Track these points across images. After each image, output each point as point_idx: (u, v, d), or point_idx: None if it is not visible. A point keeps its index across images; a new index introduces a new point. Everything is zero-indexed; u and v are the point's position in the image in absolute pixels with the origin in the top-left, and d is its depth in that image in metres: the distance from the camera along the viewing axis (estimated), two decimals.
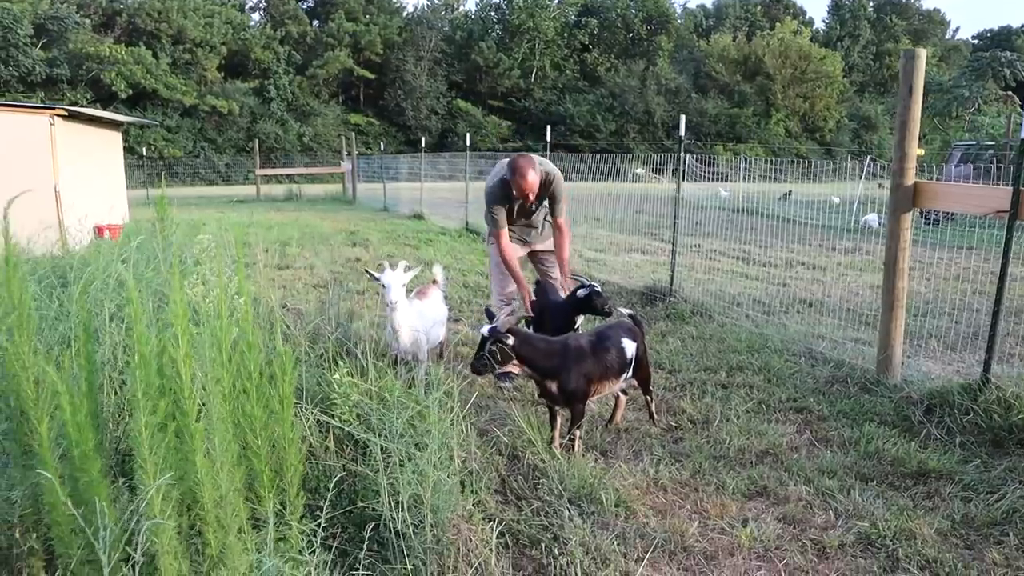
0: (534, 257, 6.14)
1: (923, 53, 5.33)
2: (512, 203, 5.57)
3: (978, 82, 30.94)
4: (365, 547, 2.51)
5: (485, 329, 4.24)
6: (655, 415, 4.96)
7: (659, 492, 3.99)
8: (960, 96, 29.82)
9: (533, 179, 5.30)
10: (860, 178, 16.42)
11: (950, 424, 4.63)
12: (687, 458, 4.37)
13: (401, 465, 2.98)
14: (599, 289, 5.29)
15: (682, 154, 8.19)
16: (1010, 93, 29.28)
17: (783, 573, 3.28)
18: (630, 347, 4.58)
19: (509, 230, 5.74)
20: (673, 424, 4.94)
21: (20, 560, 3.00)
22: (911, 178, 5.33)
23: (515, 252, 5.74)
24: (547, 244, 6.02)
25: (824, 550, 3.46)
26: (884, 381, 5.41)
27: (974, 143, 22.40)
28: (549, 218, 5.84)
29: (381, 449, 3.14)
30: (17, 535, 3.03)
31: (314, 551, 2.33)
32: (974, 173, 13.01)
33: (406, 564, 2.86)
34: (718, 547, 3.47)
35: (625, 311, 5.20)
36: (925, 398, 4.93)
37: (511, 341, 4.16)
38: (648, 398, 4.96)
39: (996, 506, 3.75)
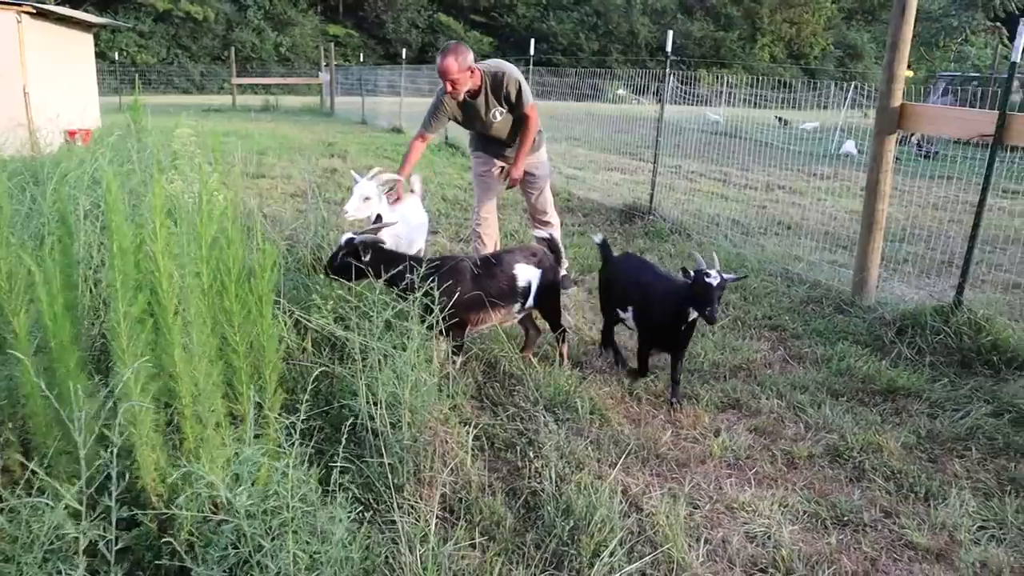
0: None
1: None
2: (448, 105, 5.25)
3: (967, 12, 30.59)
4: (343, 442, 2.52)
5: (344, 237, 3.98)
6: (566, 357, 4.43)
7: (633, 402, 4.05)
8: (948, 26, 29.56)
9: (449, 64, 4.91)
10: (844, 105, 16.32)
11: (921, 344, 4.70)
12: (662, 371, 4.42)
13: (380, 362, 2.98)
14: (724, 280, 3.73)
15: (667, 70, 8.08)
16: (998, 24, 28.97)
17: (752, 481, 3.35)
18: (526, 273, 4.17)
19: (480, 153, 5.68)
20: None
21: None
22: (898, 99, 5.30)
23: (482, 169, 5.66)
24: (528, 162, 5.56)
25: (793, 460, 3.54)
26: (858, 302, 5.47)
27: (959, 74, 22.30)
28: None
29: (360, 349, 3.14)
30: None
31: (293, 444, 2.34)
32: (957, 104, 12.95)
33: (383, 460, 2.89)
34: (690, 455, 3.54)
35: (541, 233, 4.73)
36: (898, 319, 5.00)
37: (366, 257, 3.88)
38: (558, 337, 4.42)
39: (961, 423, 3.85)
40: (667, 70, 8.10)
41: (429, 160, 12.85)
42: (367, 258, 3.88)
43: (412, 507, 2.83)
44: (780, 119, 17.38)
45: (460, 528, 2.82)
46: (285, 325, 3.82)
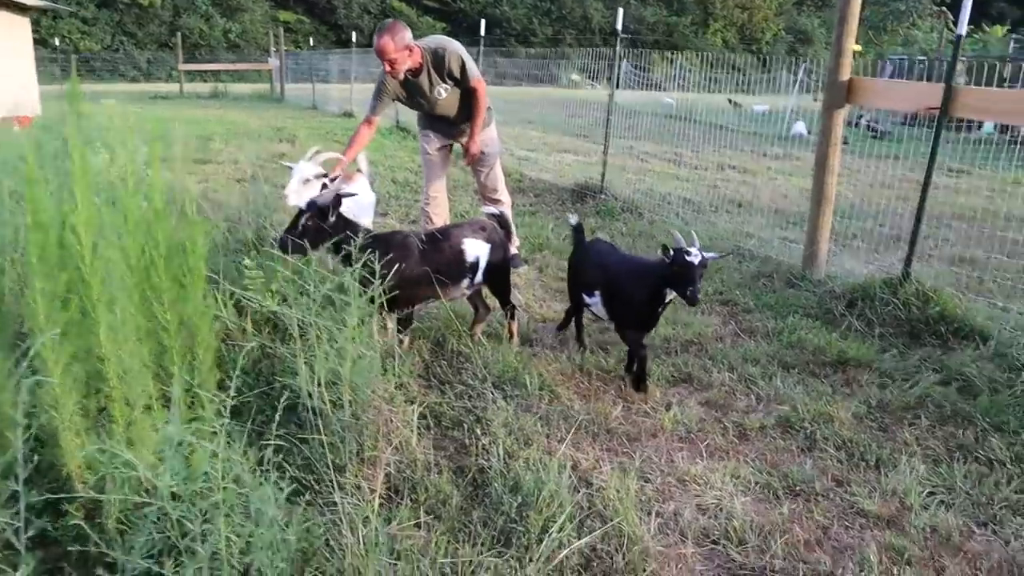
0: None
1: None
2: (390, 86, 5.12)
3: None
4: (278, 419, 2.41)
5: (304, 203, 3.85)
6: (516, 334, 4.37)
7: (584, 378, 3.98)
8: (896, 10, 30.03)
9: (385, 43, 4.78)
10: (794, 87, 16.41)
11: (870, 316, 4.71)
12: (613, 347, 4.36)
13: (318, 338, 2.87)
14: (704, 259, 3.57)
15: (618, 48, 8.01)
16: (944, 9, 29.46)
17: (704, 453, 3.31)
18: (475, 248, 4.08)
19: (428, 132, 5.58)
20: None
21: None
22: (846, 74, 5.29)
23: (431, 148, 5.57)
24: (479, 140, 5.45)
25: (745, 432, 3.50)
26: (809, 276, 5.47)
27: (905, 57, 22.59)
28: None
29: (299, 326, 3.02)
30: None
31: (223, 423, 2.22)
32: None
33: (320, 436, 2.78)
34: (641, 429, 3.49)
35: (491, 209, 4.62)
36: (848, 292, 5.00)
37: (332, 219, 3.75)
38: (506, 312, 4.35)
39: (910, 392, 3.85)
40: (617, 48, 8.04)
41: (380, 143, 12.67)
42: (333, 220, 3.75)
43: (355, 488, 2.73)
44: (732, 102, 17.46)
45: (404, 508, 2.73)
46: (224, 305, 3.69)
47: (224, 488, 2.12)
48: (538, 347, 4.35)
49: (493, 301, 4.47)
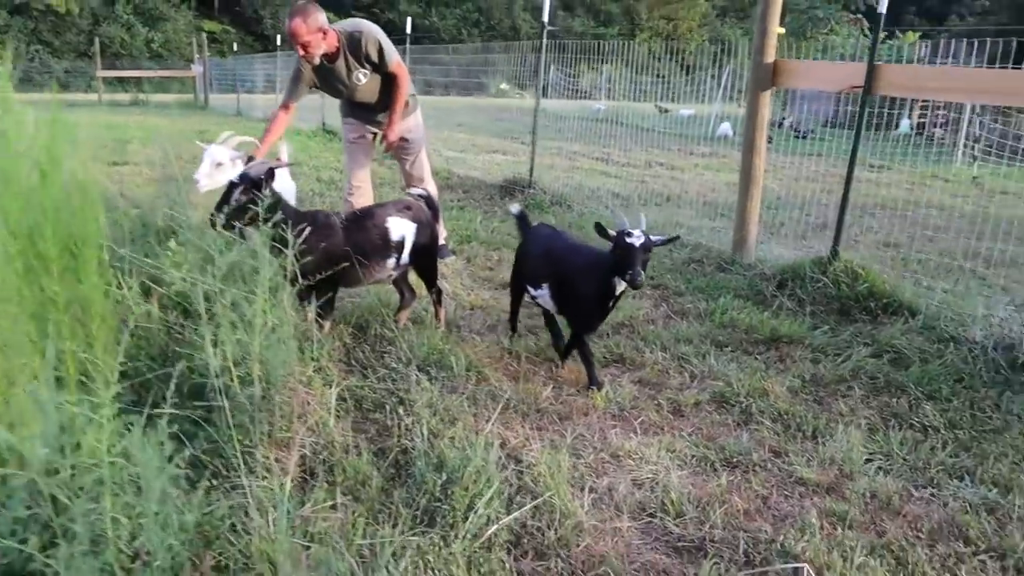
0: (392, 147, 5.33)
1: None
2: (307, 71, 4.91)
3: (832, 4, 31.92)
4: (173, 386, 2.18)
5: (235, 177, 3.57)
6: (442, 319, 4.23)
7: (513, 360, 3.84)
8: (815, 17, 30.77)
9: (297, 26, 4.53)
10: (718, 90, 16.62)
11: (801, 295, 4.68)
12: (543, 330, 4.22)
13: (224, 308, 2.66)
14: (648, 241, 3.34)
15: (544, 40, 7.93)
16: (859, 16, 30.36)
17: (638, 429, 3.20)
18: (400, 227, 3.91)
19: (350, 119, 5.38)
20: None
21: None
22: (771, 56, 5.27)
23: (353, 136, 5.39)
24: (401, 126, 5.21)
25: (680, 408, 3.41)
26: (739, 260, 5.44)
27: (827, 62, 23.18)
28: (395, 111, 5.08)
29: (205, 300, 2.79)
30: None
31: (110, 393, 2.00)
32: (822, 91, 13.34)
33: (223, 404, 2.56)
34: (573, 408, 3.36)
35: (417, 190, 4.45)
36: (778, 273, 4.98)
37: (267, 190, 3.45)
38: (433, 296, 4.21)
39: (843, 366, 3.81)
40: (543, 40, 7.95)
41: (305, 144, 12.40)
42: (267, 191, 3.47)
43: (266, 470, 2.53)
44: (660, 107, 17.60)
45: (320, 490, 2.54)
46: (129, 289, 3.44)
47: (111, 463, 1.91)
48: (466, 332, 4.19)
49: (420, 288, 4.31)
